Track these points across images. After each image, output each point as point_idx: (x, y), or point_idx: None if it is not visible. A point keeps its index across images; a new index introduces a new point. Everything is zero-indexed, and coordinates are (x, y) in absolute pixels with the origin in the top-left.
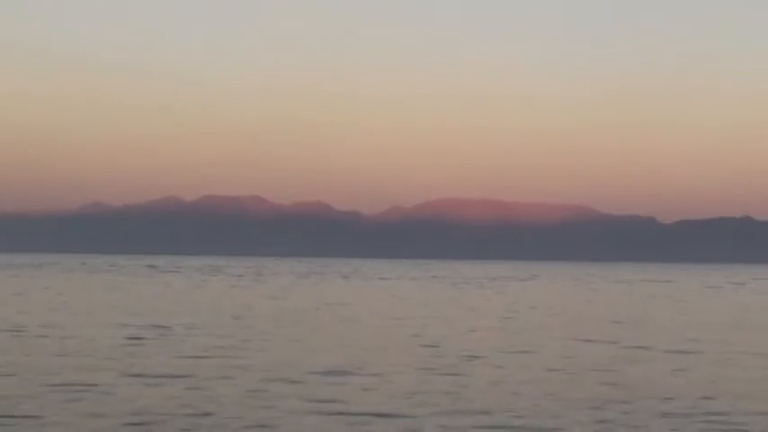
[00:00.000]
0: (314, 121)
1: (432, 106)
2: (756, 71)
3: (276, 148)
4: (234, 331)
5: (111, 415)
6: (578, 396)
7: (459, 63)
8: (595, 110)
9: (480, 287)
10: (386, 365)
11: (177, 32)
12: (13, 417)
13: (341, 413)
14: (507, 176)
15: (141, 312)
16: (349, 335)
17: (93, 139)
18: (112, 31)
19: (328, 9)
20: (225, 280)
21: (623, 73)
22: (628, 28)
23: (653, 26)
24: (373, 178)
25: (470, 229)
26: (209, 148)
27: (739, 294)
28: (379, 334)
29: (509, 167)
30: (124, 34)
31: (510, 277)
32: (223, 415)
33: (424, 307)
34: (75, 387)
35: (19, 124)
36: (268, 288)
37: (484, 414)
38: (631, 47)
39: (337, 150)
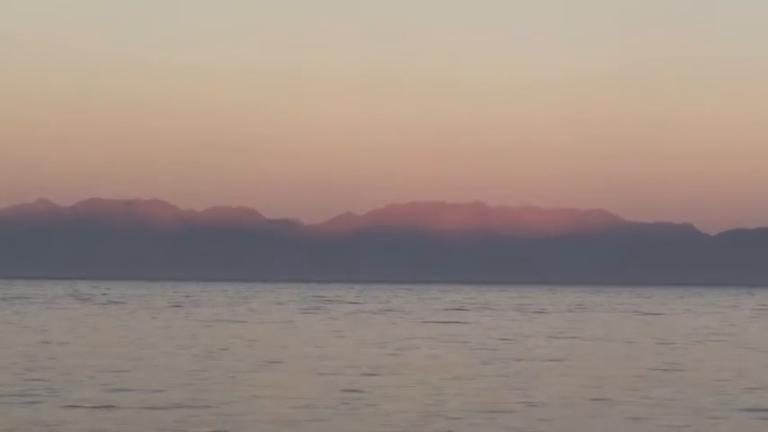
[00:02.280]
0: (234, 105)
1: (390, 90)
2: None
3: (184, 138)
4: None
5: None
6: None
7: (422, 40)
8: (607, 93)
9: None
10: None
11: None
12: None
13: None
14: (491, 175)
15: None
16: None
17: None
18: None
19: None
20: (109, 312)
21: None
22: None
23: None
24: (315, 178)
25: (443, 242)
26: (92, 139)
27: None
28: None
29: (492, 164)
30: None
31: (530, 307)
32: None
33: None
34: None
35: None
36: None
37: None
38: None
39: (266, 142)
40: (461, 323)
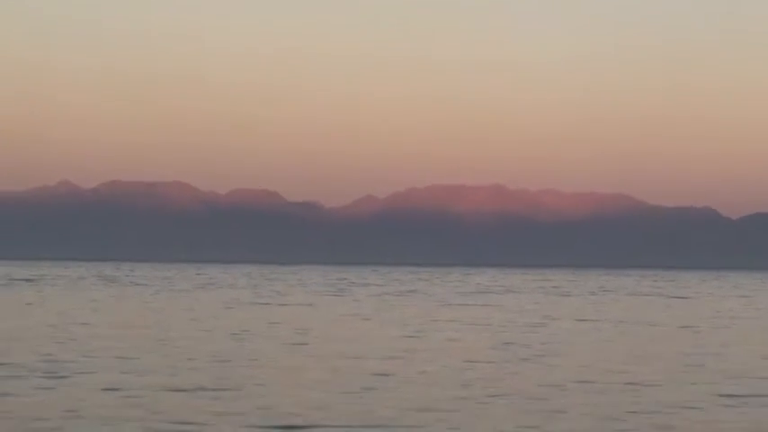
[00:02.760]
0: (255, 86)
1: (409, 72)
2: None
3: (207, 120)
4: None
5: None
6: None
7: (439, 26)
8: (628, 75)
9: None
10: None
11: None
12: None
13: None
14: (511, 158)
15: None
16: None
17: None
18: None
19: None
20: (127, 292)
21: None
22: None
23: None
24: (337, 161)
25: (464, 224)
26: (113, 120)
27: None
28: None
29: (513, 146)
30: None
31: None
32: None
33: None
34: None
35: None
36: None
37: None
38: None
39: (288, 125)
40: (486, 306)
